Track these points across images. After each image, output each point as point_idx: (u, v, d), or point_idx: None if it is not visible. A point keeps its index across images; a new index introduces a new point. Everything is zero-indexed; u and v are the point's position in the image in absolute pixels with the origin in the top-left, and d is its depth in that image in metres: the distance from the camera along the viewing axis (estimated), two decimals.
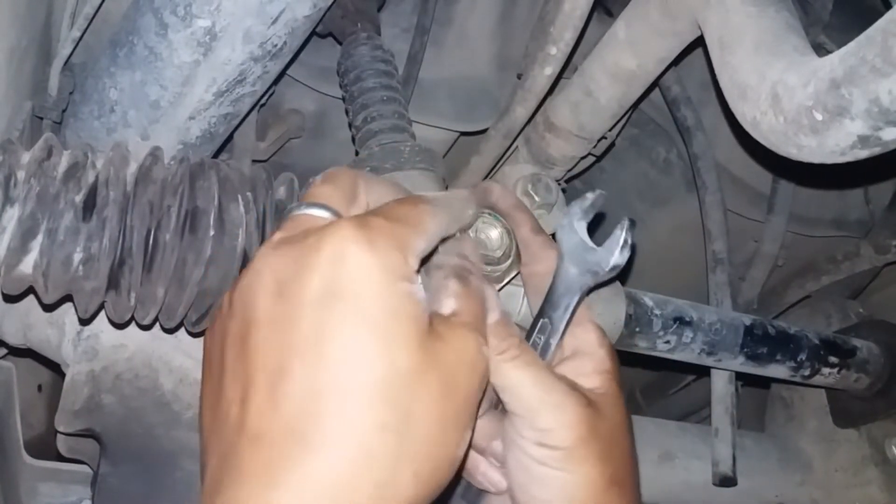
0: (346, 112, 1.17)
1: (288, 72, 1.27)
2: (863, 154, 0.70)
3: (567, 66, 1.14)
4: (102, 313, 0.83)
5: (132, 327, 0.86)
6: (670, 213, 1.67)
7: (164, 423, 0.90)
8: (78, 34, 1.07)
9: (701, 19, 0.96)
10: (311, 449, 0.48)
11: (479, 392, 0.58)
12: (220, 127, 1.12)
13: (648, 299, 1.06)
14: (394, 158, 1.01)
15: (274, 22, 1.00)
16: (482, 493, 0.71)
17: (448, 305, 0.59)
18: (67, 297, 0.78)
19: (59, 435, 0.92)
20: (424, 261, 0.59)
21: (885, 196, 1.61)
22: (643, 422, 1.27)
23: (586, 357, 0.70)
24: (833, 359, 1.24)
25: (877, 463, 1.39)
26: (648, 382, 1.99)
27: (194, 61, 1.00)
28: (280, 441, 0.49)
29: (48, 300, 0.77)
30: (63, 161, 0.75)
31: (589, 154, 1.33)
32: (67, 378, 0.90)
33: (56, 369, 0.98)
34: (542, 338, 0.70)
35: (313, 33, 1.16)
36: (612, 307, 1.00)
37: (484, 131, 1.32)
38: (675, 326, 1.07)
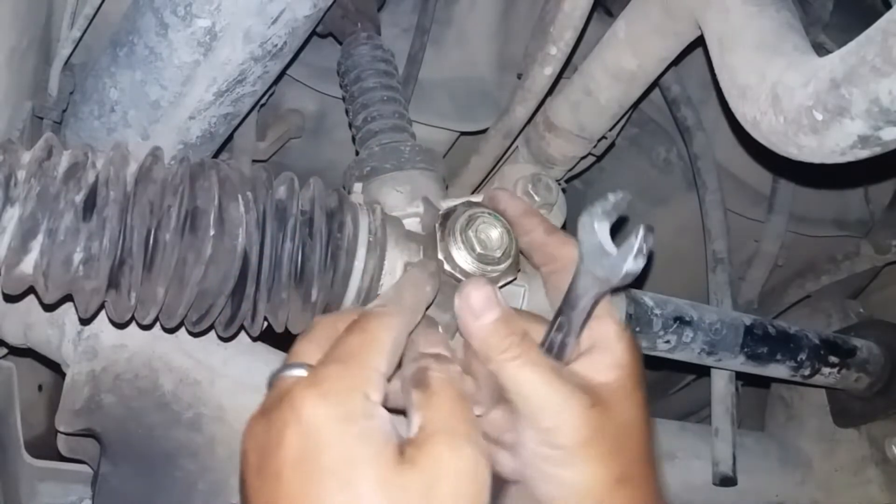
0: (347, 112, 1.17)
1: (288, 72, 1.27)
2: (863, 154, 0.70)
3: (567, 66, 1.14)
4: (103, 313, 0.83)
5: (132, 327, 0.86)
6: (670, 212, 1.67)
7: (164, 423, 0.90)
8: (78, 34, 1.07)
9: (701, 19, 0.96)
10: None
11: (480, 495, 0.57)
12: (221, 127, 1.12)
13: (648, 299, 1.06)
14: (394, 158, 1.01)
15: (274, 22, 1.00)
16: (505, 481, 0.71)
17: (414, 422, 0.59)
18: (68, 297, 0.78)
19: (59, 435, 0.92)
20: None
21: (885, 196, 1.61)
22: None
23: (603, 351, 0.69)
24: (833, 358, 1.24)
25: (877, 462, 1.39)
26: (648, 382, 1.97)
27: (194, 61, 1.00)
28: None
29: (48, 300, 0.76)
30: (63, 161, 0.75)
31: (589, 154, 1.33)
32: (68, 378, 0.90)
33: (56, 369, 0.98)
34: (560, 336, 0.69)
35: (313, 33, 1.16)
36: (612, 305, 1.00)
37: (484, 131, 1.32)
38: (675, 326, 1.07)
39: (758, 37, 0.83)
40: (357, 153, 1.09)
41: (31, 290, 0.77)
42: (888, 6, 0.68)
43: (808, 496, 1.40)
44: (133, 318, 0.80)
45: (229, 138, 1.23)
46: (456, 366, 0.65)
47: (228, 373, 0.93)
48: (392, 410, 0.60)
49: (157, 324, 0.83)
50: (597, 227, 0.69)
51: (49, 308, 0.87)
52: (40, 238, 0.72)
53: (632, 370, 0.70)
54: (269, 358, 0.98)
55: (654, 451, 0.70)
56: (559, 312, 0.70)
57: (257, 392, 0.94)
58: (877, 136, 0.67)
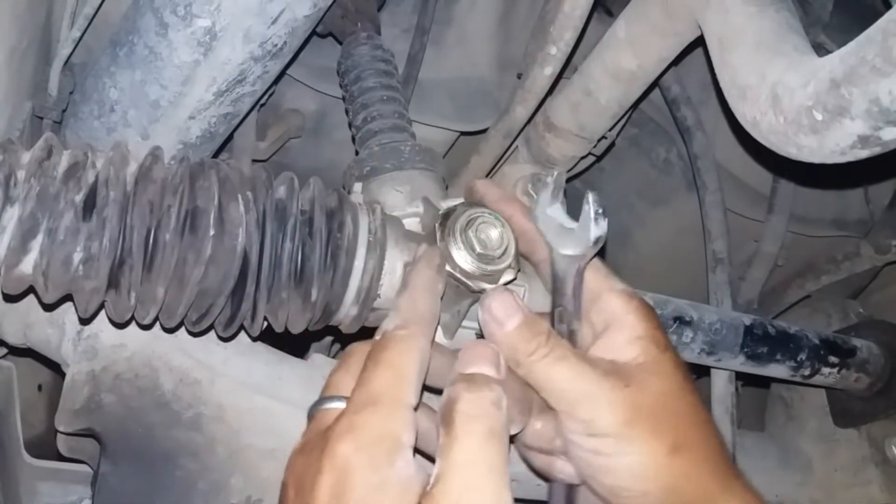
0: (346, 112, 1.17)
1: (288, 71, 1.27)
2: (863, 154, 0.70)
3: (567, 66, 1.14)
4: (102, 313, 0.83)
5: (132, 327, 0.86)
6: (670, 212, 1.67)
7: (163, 422, 0.90)
8: (78, 34, 1.07)
9: (701, 19, 0.96)
10: None
11: None
12: (220, 126, 1.12)
13: (648, 299, 1.06)
14: (394, 158, 1.01)
15: (274, 22, 1.00)
16: (573, 486, 0.71)
17: (435, 469, 0.59)
18: (67, 297, 0.78)
19: (59, 434, 0.92)
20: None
21: (885, 196, 1.61)
22: None
23: (617, 328, 0.69)
24: (833, 359, 1.24)
25: (877, 463, 1.39)
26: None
27: (194, 61, 1.00)
28: None
29: (48, 300, 0.76)
30: (63, 161, 0.75)
31: (589, 154, 1.33)
32: (67, 378, 0.90)
33: (56, 369, 0.98)
34: (564, 326, 0.69)
35: (313, 33, 1.16)
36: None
37: (484, 131, 1.32)
38: (675, 326, 1.07)
39: (758, 37, 0.83)
40: (357, 153, 1.09)
41: (30, 289, 0.77)
42: (888, 6, 0.68)
43: (808, 496, 1.40)
44: (133, 317, 0.80)
45: (229, 138, 1.23)
46: (491, 389, 0.62)
47: (228, 372, 0.93)
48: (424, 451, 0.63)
49: (157, 323, 0.83)
50: (549, 211, 0.69)
51: (49, 308, 0.87)
52: (40, 238, 0.72)
53: (652, 337, 0.68)
54: (269, 358, 0.98)
55: (703, 411, 0.69)
56: (554, 304, 0.70)
57: (257, 392, 0.95)
58: (877, 137, 0.67)
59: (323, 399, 0.68)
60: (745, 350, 1.14)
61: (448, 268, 0.83)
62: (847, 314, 1.50)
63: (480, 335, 0.97)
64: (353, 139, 1.12)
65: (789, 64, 0.76)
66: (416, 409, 0.62)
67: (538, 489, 1.11)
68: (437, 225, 0.86)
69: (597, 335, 0.70)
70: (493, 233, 0.85)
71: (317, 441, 0.62)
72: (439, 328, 0.92)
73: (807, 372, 1.21)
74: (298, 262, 0.80)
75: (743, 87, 0.81)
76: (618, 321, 0.69)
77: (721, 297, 1.35)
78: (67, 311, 0.91)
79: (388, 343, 0.65)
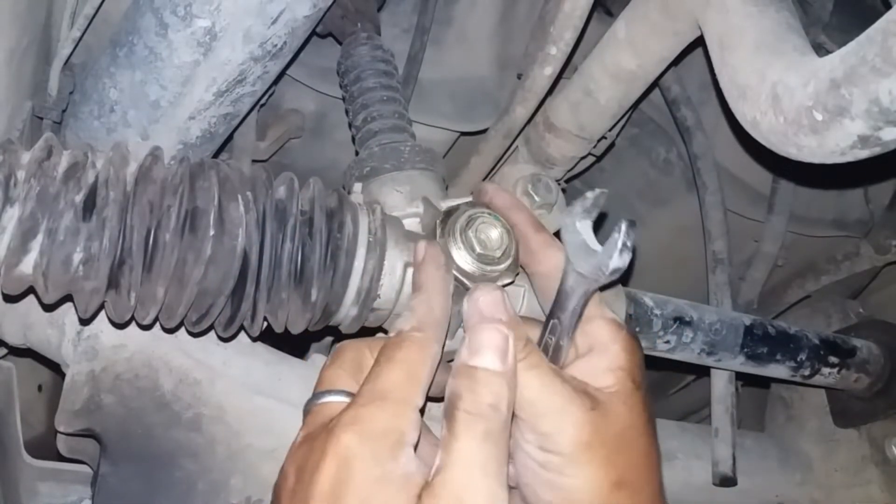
0: (346, 112, 1.17)
1: (288, 72, 1.27)
2: (863, 154, 0.70)
3: (567, 66, 1.14)
4: (102, 313, 0.83)
5: (132, 327, 0.86)
6: (670, 213, 1.67)
7: (163, 422, 0.90)
8: (78, 34, 1.07)
9: (701, 19, 0.96)
10: None
11: None
12: (220, 127, 1.12)
13: (648, 299, 1.06)
14: (394, 158, 1.01)
15: (274, 22, 1.00)
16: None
17: (436, 464, 0.60)
18: (67, 297, 0.78)
19: (59, 435, 0.92)
20: None
21: (884, 196, 1.61)
22: None
23: (599, 354, 0.69)
24: (833, 359, 1.24)
25: (877, 463, 1.39)
26: (648, 382, 1.98)
27: (194, 61, 1.00)
28: None
29: (48, 300, 0.76)
30: (63, 161, 0.75)
31: (589, 154, 1.33)
32: (67, 378, 0.90)
33: (56, 369, 0.98)
34: (553, 339, 0.69)
35: (313, 33, 1.16)
36: (611, 307, 1.00)
37: (484, 131, 1.32)
38: (675, 326, 1.07)
39: (758, 37, 0.83)
40: (357, 153, 1.09)
41: (30, 290, 0.77)
42: (888, 6, 0.68)
43: (808, 496, 1.40)
44: (133, 318, 0.80)
45: (229, 138, 1.23)
46: (491, 391, 0.62)
47: (228, 373, 0.93)
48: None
49: (157, 324, 0.83)
50: (579, 225, 0.68)
51: (49, 308, 0.87)
52: (40, 238, 0.72)
53: (630, 371, 0.69)
54: (269, 358, 0.98)
55: (655, 454, 0.70)
56: (550, 315, 0.70)
57: (257, 392, 0.95)
58: (877, 137, 0.67)
59: (320, 393, 0.69)
60: (745, 350, 1.14)
61: None
62: (847, 314, 1.50)
63: None
64: (353, 139, 1.12)
65: (789, 64, 0.76)
66: (421, 412, 0.63)
67: None
68: (437, 223, 0.86)
69: (578, 356, 0.70)
70: (493, 233, 0.85)
71: (319, 432, 0.63)
72: None
73: (807, 372, 1.21)
74: (298, 262, 0.80)
75: (743, 87, 0.81)
76: (602, 347, 0.70)
77: (721, 297, 1.35)
78: (67, 312, 0.91)
79: (402, 343, 0.66)
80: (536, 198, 0.95)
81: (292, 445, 0.67)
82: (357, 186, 1.00)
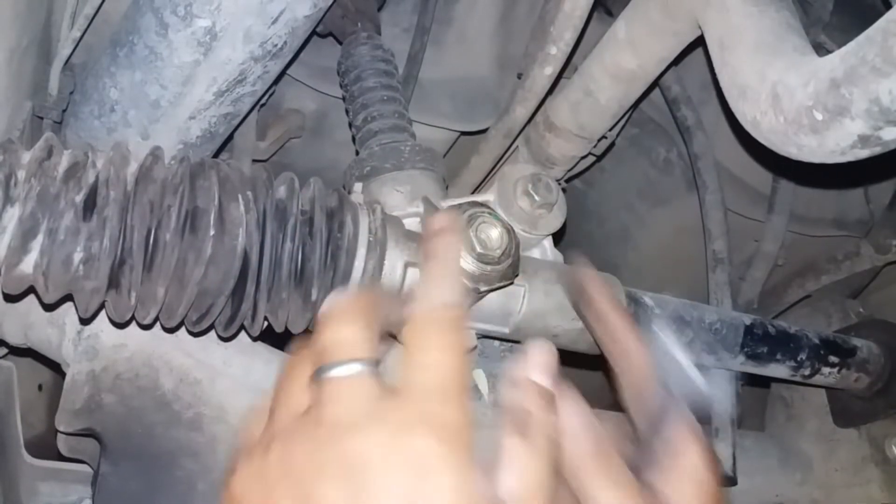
0: (347, 112, 1.17)
1: (288, 71, 1.27)
2: (863, 154, 0.70)
3: (567, 66, 1.14)
4: (103, 313, 0.83)
5: (132, 327, 0.86)
6: (670, 212, 1.67)
7: (164, 422, 0.90)
8: (78, 34, 1.07)
9: (701, 19, 0.96)
10: None
11: None
12: (221, 126, 1.12)
13: (648, 299, 1.06)
14: (394, 158, 1.01)
15: (274, 22, 1.00)
16: None
17: (505, 483, 0.51)
18: (68, 297, 0.78)
19: (59, 434, 0.92)
20: None
21: (885, 195, 1.61)
22: None
23: (682, 469, 0.62)
24: (833, 358, 1.24)
25: (877, 462, 1.39)
26: None
27: (194, 61, 1.00)
28: None
29: (48, 300, 0.76)
30: (63, 161, 0.75)
31: (589, 154, 1.33)
32: (68, 378, 0.90)
33: (56, 369, 0.98)
34: (637, 452, 0.64)
35: (313, 33, 1.16)
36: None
37: (484, 131, 1.32)
38: (675, 326, 1.07)
39: (758, 37, 0.83)
40: (357, 153, 1.09)
41: (31, 289, 0.76)
42: (888, 6, 0.68)
43: (808, 496, 1.40)
44: (133, 317, 0.80)
45: (229, 138, 1.23)
46: (553, 415, 0.55)
47: (229, 372, 0.93)
48: None
49: (158, 323, 0.83)
50: (678, 356, 0.66)
51: (49, 308, 0.87)
52: (40, 238, 0.72)
53: (711, 489, 0.63)
54: (270, 357, 0.98)
55: None
56: (640, 429, 0.65)
57: (258, 391, 0.95)
58: (877, 136, 0.67)
59: (331, 364, 0.52)
60: (745, 350, 1.14)
61: None
62: (847, 314, 1.50)
63: (481, 336, 0.97)
64: (354, 139, 1.12)
65: (789, 64, 0.76)
66: None
67: None
68: None
69: (656, 462, 0.64)
70: (494, 232, 0.85)
71: (330, 423, 0.49)
72: None
73: (807, 372, 1.21)
74: (299, 262, 0.80)
75: (743, 87, 0.81)
76: (686, 461, 0.63)
77: (721, 296, 1.35)
78: (68, 311, 0.91)
79: (446, 322, 0.55)
80: (536, 197, 0.94)
81: (243, 448, 0.53)
82: (357, 186, 1.00)
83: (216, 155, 1.23)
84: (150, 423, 0.90)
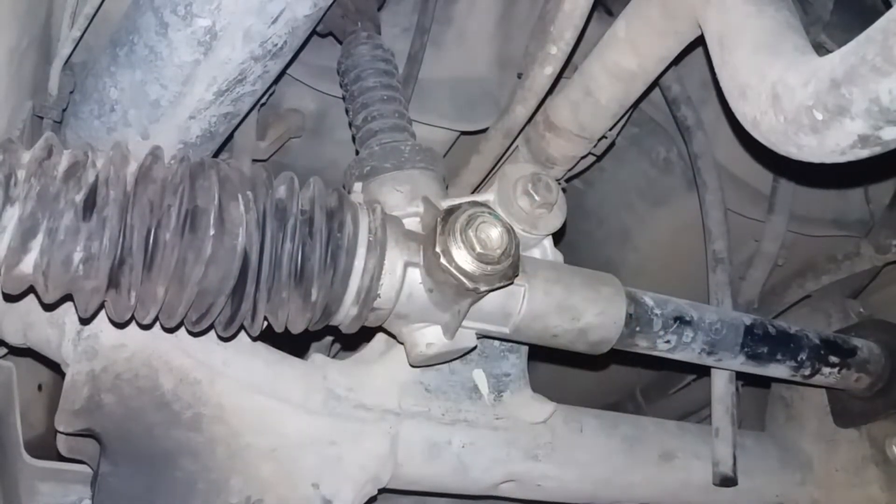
0: (347, 111, 1.17)
1: (288, 71, 1.27)
2: (863, 153, 0.70)
3: (567, 66, 1.14)
4: (102, 313, 0.83)
5: (132, 327, 0.86)
6: (670, 212, 1.67)
7: (163, 422, 0.90)
8: (78, 34, 1.07)
9: (701, 18, 0.96)
10: None
11: None
12: (221, 126, 1.12)
13: (649, 299, 1.06)
14: (394, 158, 1.01)
15: (274, 21, 1.00)
16: None
17: None
18: (68, 297, 0.78)
19: (59, 435, 0.92)
20: None
21: (885, 195, 1.61)
22: (643, 422, 1.27)
23: None
24: (833, 358, 1.24)
25: (877, 463, 1.39)
26: (649, 382, 1.98)
27: (195, 60, 1.00)
28: None
29: (48, 300, 0.76)
30: (63, 160, 0.75)
31: (589, 153, 1.33)
32: (67, 378, 0.89)
33: (56, 369, 0.98)
34: None
35: (314, 32, 1.16)
36: (612, 306, 1.00)
37: (484, 131, 1.32)
38: (675, 326, 1.06)
39: (758, 36, 0.83)
40: (357, 152, 1.09)
41: (30, 289, 0.76)
42: (888, 6, 0.68)
43: (809, 496, 1.39)
44: (133, 317, 0.80)
45: (229, 138, 1.23)
46: None
47: (228, 372, 0.93)
48: None
49: (157, 323, 0.82)
50: None
51: (49, 308, 0.87)
52: (40, 238, 0.72)
53: None
54: (269, 357, 0.97)
55: None
56: None
57: (257, 392, 0.94)
58: (877, 136, 0.67)
59: None
60: (746, 350, 1.14)
61: (448, 266, 0.82)
62: (847, 314, 1.50)
63: (481, 336, 0.97)
64: (354, 139, 1.12)
65: (789, 63, 0.76)
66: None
67: (538, 489, 1.12)
68: (437, 223, 0.86)
69: None
70: (494, 232, 0.85)
71: None
72: (439, 328, 0.92)
73: (807, 372, 1.21)
74: (298, 261, 0.80)
75: (743, 87, 0.81)
76: None
77: (721, 296, 1.35)
78: (67, 311, 0.90)
79: None
80: (537, 197, 0.94)
81: None
82: (357, 186, 1.00)
83: (216, 155, 1.23)
84: (149, 423, 0.90)
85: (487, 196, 0.96)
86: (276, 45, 1.03)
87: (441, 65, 1.43)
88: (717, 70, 0.88)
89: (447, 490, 1.08)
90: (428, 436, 1.01)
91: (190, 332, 0.87)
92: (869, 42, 0.65)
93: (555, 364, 1.70)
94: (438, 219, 0.86)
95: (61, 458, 0.98)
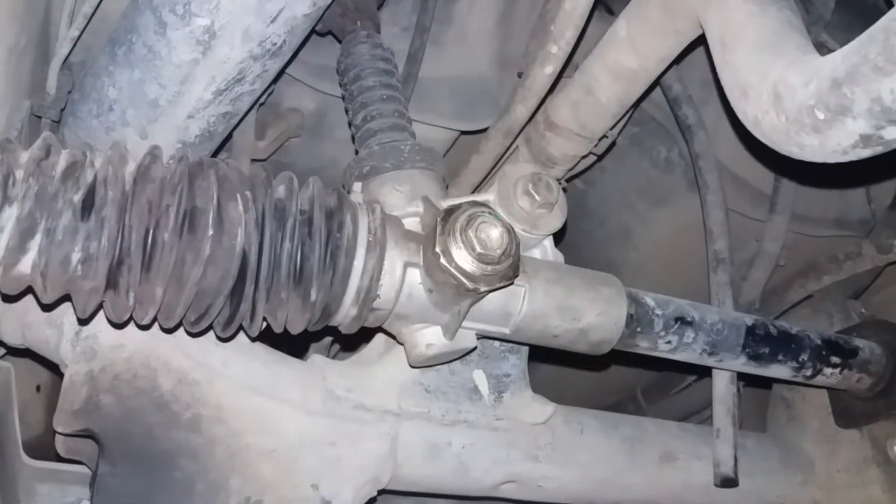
0: (346, 111, 1.17)
1: (287, 70, 1.27)
2: (865, 153, 0.70)
3: (568, 65, 1.13)
4: (101, 313, 0.83)
5: (130, 327, 0.86)
6: (671, 212, 1.67)
7: (162, 423, 0.90)
8: (76, 33, 1.07)
9: (702, 18, 0.96)
10: None
11: None
12: (219, 126, 1.11)
13: (650, 299, 1.05)
14: (394, 157, 1.00)
15: (273, 20, 1.00)
16: None
17: None
18: (66, 297, 0.78)
19: (57, 435, 0.92)
20: None
21: (886, 195, 1.61)
22: (644, 422, 1.26)
23: None
24: (835, 359, 1.23)
25: (878, 463, 1.39)
26: (650, 383, 1.98)
27: (193, 60, 1.00)
28: None
29: (47, 300, 0.76)
30: (61, 160, 0.75)
31: (590, 153, 1.33)
32: (66, 378, 0.89)
33: (55, 369, 0.98)
34: None
35: (313, 31, 1.16)
36: (612, 307, 1.00)
37: (484, 130, 1.31)
38: (676, 326, 1.06)
39: (759, 36, 0.83)
40: (357, 152, 1.09)
41: (29, 289, 0.76)
42: (890, 5, 0.68)
43: (810, 497, 1.39)
44: (131, 317, 0.80)
45: (228, 137, 1.23)
46: None
47: (227, 373, 0.93)
48: None
49: (156, 324, 0.82)
50: None
51: (47, 308, 0.87)
52: (38, 238, 0.72)
53: None
54: (268, 358, 0.97)
55: None
56: None
57: (256, 392, 0.94)
58: (879, 136, 0.67)
59: None
60: (747, 350, 1.13)
61: (448, 266, 0.82)
62: (849, 314, 1.50)
63: (481, 336, 0.97)
64: (353, 138, 1.12)
65: (791, 63, 0.76)
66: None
67: (538, 490, 1.11)
68: (437, 222, 0.85)
69: None
70: (494, 232, 0.85)
71: None
72: (439, 328, 0.92)
73: (809, 372, 1.21)
74: (298, 262, 0.80)
75: (744, 86, 0.81)
76: None
77: (722, 297, 1.34)
78: (66, 312, 0.90)
79: None
80: (537, 197, 0.94)
81: None
82: (357, 185, 1.00)
83: (215, 154, 1.23)
84: (148, 423, 0.89)
85: (487, 196, 0.96)
86: (274, 44, 1.03)
87: (441, 64, 1.42)
88: (718, 69, 0.88)
89: (447, 491, 1.08)
90: (428, 437, 1.01)
91: (189, 333, 0.87)
92: (871, 41, 0.65)
93: (555, 364, 1.70)
94: (438, 219, 0.86)
95: (60, 459, 0.97)
